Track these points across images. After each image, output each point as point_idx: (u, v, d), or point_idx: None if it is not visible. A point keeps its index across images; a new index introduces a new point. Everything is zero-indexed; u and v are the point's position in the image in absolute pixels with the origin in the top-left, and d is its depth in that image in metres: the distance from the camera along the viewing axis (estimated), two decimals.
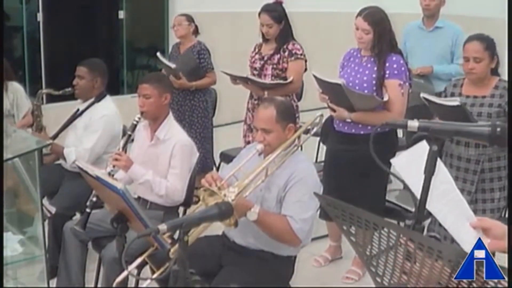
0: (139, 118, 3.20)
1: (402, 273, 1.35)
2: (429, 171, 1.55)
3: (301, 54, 4.11)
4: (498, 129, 1.53)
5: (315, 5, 7.81)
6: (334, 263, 3.99)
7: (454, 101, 3.08)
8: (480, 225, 1.51)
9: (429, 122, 1.62)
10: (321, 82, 3.41)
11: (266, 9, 4.17)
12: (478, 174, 3.23)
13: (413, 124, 1.58)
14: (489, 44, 3.20)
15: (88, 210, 2.95)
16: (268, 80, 4.14)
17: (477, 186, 3.23)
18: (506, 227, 1.50)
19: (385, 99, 3.35)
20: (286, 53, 4.10)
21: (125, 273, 2.44)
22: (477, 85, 3.26)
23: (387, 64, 3.38)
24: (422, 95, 3.30)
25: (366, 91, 3.39)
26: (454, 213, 1.57)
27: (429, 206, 1.57)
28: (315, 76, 3.40)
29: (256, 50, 4.29)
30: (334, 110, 3.46)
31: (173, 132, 3.25)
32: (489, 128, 1.54)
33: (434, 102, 3.21)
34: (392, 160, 1.69)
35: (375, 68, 3.40)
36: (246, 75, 4.18)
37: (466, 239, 1.50)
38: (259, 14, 4.18)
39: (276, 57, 4.12)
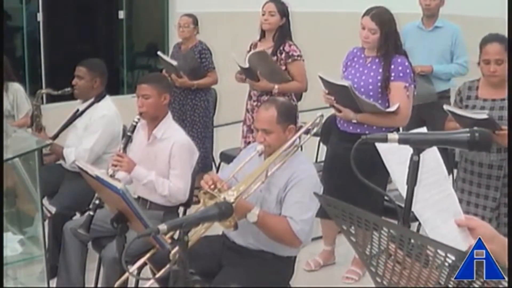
0: (138, 119, 3.19)
1: (401, 273, 1.36)
2: (411, 181, 1.55)
3: (298, 55, 4.08)
4: (477, 135, 1.54)
5: (315, 5, 7.81)
6: (333, 263, 3.98)
7: (482, 114, 2.97)
8: (466, 224, 1.50)
9: (408, 133, 1.63)
10: (328, 84, 3.39)
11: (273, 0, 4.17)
12: (501, 179, 3.14)
13: (393, 137, 1.59)
14: (506, 44, 3.07)
15: (91, 213, 2.94)
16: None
17: (501, 191, 3.14)
18: (492, 229, 1.50)
19: (392, 109, 3.32)
20: (283, 55, 4.06)
21: (126, 275, 2.44)
22: (494, 87, 3.16)
23: (392, 66, 3.36)
24: (446, 107, 3.20)
25: (371, 93, 3.38)
26: (439, 206, 1.56)
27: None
28: (321, 78, 3.36)
29: (252, 50, 4.27)
30: (339, 111, 3.45)
31: (171, 131, 3.25)
32: (468, 134, 1.55)
33: (459, 115, 3.09)
34: (377, 144, 1.69)
35: (380, 70, 3.38)
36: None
37: (444, 234, 1.49)
38: (264, 4, 4.16)
39: (273, 59, 4.11)
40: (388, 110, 3.35)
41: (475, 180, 3.23)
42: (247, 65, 4.08)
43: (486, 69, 3.13)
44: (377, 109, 3.34)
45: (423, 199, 1.57)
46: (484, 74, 3.18)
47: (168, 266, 2.32)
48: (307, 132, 3.01)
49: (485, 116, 2.94)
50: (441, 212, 1.55)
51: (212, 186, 2.52)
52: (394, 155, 1.65)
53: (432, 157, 1.62)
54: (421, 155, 1.57)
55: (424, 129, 1.76)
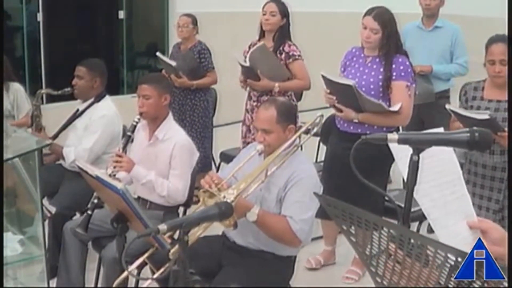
0: (139, 119, 3.20)
1: (401, 273, 1.35)
2: (411, 181, 1.53)
3: (298, 55, 4.08)
4: (477, 134, 1.52)
5: (315, 5, 7.81)
6: (333, 263, 3.98)
7: (484, 114, 2.94)
8: (479, 226, 1.50)
9: (407, 133, 1.60)
10: (330, 83, 3.38)
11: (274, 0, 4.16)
12: (504, 181, 3.11)
13: (393, 137, 1.57)
14: None
15: (89, 212, 2.95)
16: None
17: (505, 193, 3.11)
18: (504, 231, 1.49)
19: (395, 108, 3.32)
20: (283, 55, 4.06)
21: (125, 274, 2.44)
22: (500, 89, 3.12)
23: (393, 66, 3.35)
24: (448, 107, 3.17)
25: (372, 93, 3.37)
26: (451, 207, 1.55)
27: (419, 193, 1.56)
28: (323, 77, 3.36)
29: (251, 49, 4.26)
30: (340, 111, 3.44)
31: (173, 132, 3.25)
32: (468, 134, 1.53)
33: (461, 115, 3.06)
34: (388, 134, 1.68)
35: (381, 69, 3.38)
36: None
37: (455, 235, 1.49)
38: (265, 4, 4.16)
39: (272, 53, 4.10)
40: (391, 109, 3.35)
41: (478, 182, 3.21)
42: (247, 64, 4.09)
43: (491, 69, 3.11)
44: (382, 109, 3.33)
45: (434, 198, 1.56)
46: (490, 74, 3.16)
47: (167, 265, 2.33)
48: (307, 132, 3.01)
49: (486, 116, 2.92)
50: (453, 213, 1.54)
51: (213, 185, 2.52)
52: (404, 152, 1.64)
53: (447, 157, 1.60)
54: (435, 155, 1.55)
55: (441, 129, 1.73)
